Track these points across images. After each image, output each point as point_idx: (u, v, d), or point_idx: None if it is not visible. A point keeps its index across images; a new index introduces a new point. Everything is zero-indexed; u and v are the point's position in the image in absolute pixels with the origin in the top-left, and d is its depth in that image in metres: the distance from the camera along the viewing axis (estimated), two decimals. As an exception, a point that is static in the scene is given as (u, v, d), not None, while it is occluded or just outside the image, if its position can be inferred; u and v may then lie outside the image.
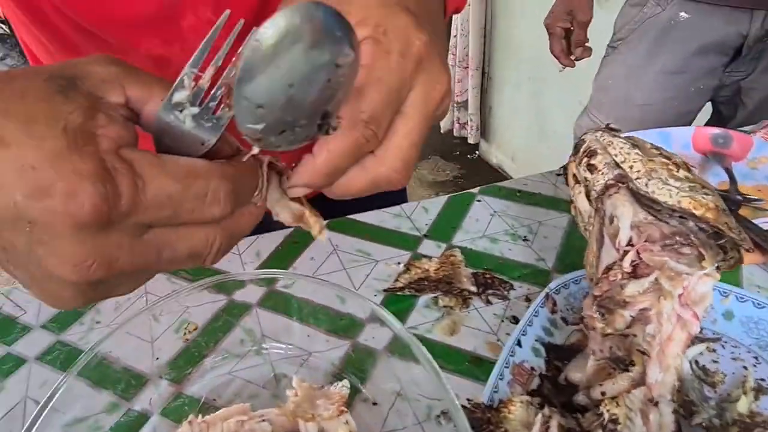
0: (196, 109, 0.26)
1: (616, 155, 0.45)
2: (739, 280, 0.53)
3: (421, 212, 0.64)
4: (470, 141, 2.77)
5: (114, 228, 0.24)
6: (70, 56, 0.53)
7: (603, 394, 0.39)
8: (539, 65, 2.17)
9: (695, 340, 0.45)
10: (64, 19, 0.50)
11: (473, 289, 0.53)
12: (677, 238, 0.40)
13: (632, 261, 0.40)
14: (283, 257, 0.58)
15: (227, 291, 0.50)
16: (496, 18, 2.43)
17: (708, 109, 1.19)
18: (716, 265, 0.40)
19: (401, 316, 0.51)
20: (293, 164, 0.31)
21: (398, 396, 0.42)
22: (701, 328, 0.47)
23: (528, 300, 0.52)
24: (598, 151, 0.47)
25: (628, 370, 0.39)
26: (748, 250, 0.39)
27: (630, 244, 0.41)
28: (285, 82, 0.24)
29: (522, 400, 0.40)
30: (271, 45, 0.22)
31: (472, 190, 0.68)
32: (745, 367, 0.44)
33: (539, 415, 0.38)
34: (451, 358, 0.47)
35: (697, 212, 0.39)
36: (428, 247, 0.59)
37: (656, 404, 0.38)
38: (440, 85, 0.31)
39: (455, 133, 2.81)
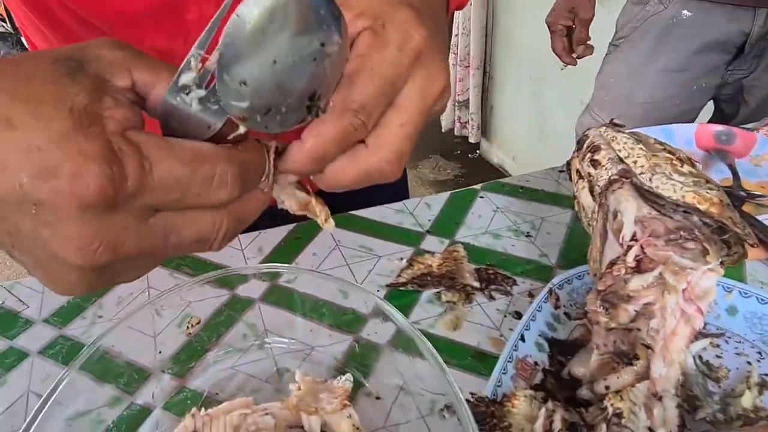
0: (202, 92, 0.25)
1: (619, 150, 0.45)
2: (742, 276, 0.53)
3: (423, 208, 0.64)
4: (471, 140, 2.76)
5: (120, 210, 0.24)
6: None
7: (607, 388, 0.39)
8: (540, 65, 2.17)
9: (699, 335, 0.45)
10: (68, 12, 0.50)
11: (476, 284, 0.53)
12: (681, 232, 0.40)
13: (636, 256, 0.40)
14: (285, 252, 0.58)
15: (230, 286, 0.50)
16: (497, 17, 2.43)
17: (710, 107, 1.19)
18: (720, 260, 0.40)
19: (404, 311, 0.50)
20: None
21: (401, 390, 0.42)
22: (705, 324, 0.47)
23: (531, 296, 0.52)
24: (602, 146, 0.47)
25: (632, 364, 0.39)
26: (752, 245, 0.39)
27: (634, 239, 0.41)
28: (268, 59, 0.23)
29: (525, 394, 0.40)
30: (254, 20, 0.22)
31: (474, 187, 0.68)
32: (749, 363, 0.44)
33: (543, 409, 0.38)
34: (454, 353, 0.47)
35: (702, 207, 0.39)
36: (431, 242, 0.59)
37: (660, 399, 0.38)
38: (438, 80, 0.30)
39: (456, 133, 2.81)
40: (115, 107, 0.24)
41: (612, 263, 0.41)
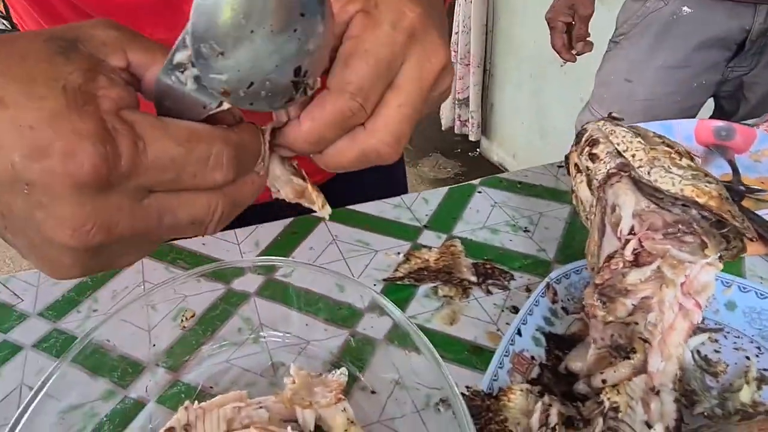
0: (197, 71, 0.24)
1: (618, 144, 0.45)
2: (741, 271, 0.52)
3: (421, 203, 0.64)
4: (471, 138, 2.76)
5: (114, 190, 0.23)
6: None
7: (604, 382, 0.38)
8: (540, 63, 2.17)
9: (697, 330, 0.45)
10: (67, 4, 0.50)
11: (473, 279, 0.53)
12: (680, 226, 0.40)
13: (634, 249, 0.40)
14: (282, 247, 0.58)
15: (226, 279, 0.50)
16: (497, 16, 2.43)
17: (710, 104, 1.19)
18: (719, 254, 0.39)
19: (400, 305, 0.50)
20: None
21: (397, 384, 0.41)
22: (703, 318, 0.46)
23: (528, 290, 0.52)
24: (600, 140, 0.46)
25: (629, 358, 0.38)
26: (751, 239, 0.39)
27: (632, 232, 0.41)
28: (244, 28, 0.22)
29: (522, 388, 0.39)
30: None
31: (472, 182, 0.67)
32: (747, 357, 0.44)
33: (539, 403, 0.38)
34: (450, 348, 0.46)
35: (700, 200, 0.38)
36: (428, 237, 0.59)
37: (658, 393, 0.38)
38: (435, 57, 0.30)
39: (456, 131, 2.80)
40: (109, 86, 0.24)
41: (610, 257, 0.41)
